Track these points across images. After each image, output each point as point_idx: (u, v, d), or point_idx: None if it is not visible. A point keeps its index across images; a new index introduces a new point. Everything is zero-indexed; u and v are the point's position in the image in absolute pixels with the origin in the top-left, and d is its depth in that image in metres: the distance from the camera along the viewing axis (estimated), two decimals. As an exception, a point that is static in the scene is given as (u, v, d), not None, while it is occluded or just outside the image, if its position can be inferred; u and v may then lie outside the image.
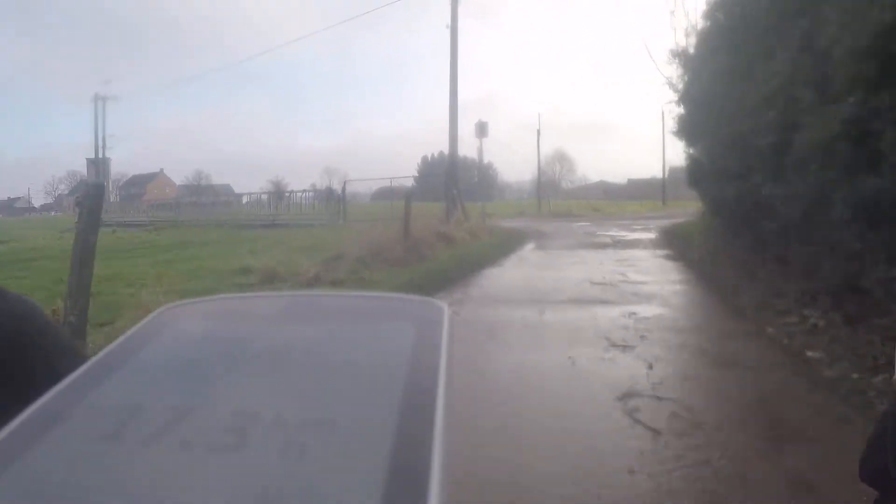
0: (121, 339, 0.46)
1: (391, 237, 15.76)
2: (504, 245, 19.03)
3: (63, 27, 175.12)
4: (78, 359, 0.76)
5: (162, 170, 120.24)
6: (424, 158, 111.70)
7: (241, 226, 33.46)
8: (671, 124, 27.00)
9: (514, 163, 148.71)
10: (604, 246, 18.84)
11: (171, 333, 0.48)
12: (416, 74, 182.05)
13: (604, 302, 9.58)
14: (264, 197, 39.95)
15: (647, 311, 8.98)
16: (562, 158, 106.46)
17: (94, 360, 0.44)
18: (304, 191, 36.10)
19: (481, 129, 25.91)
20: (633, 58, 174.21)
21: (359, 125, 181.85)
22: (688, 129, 22.91)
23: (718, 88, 13.46)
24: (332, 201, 33.26)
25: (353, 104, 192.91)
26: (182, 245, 22.81)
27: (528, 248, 18.87)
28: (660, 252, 16.95)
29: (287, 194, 38.69)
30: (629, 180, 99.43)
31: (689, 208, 53.23)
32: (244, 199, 43.46)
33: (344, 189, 33.53)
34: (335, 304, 0.52)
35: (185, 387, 0.41)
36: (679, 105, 24.41)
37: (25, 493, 0.32)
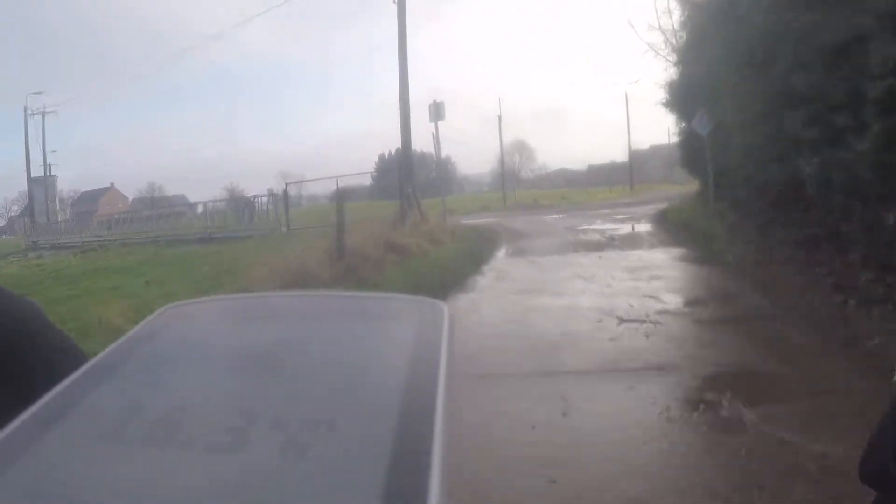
0: (121, 339, 0.45)
1: (323, 254, 11.59)
2: (473, 253, 14.76)
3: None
4: (79, 359, 0.75)
5: (112, 184, 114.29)
6: (381, 156, 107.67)
7: (177, 241, 29.47)
8: (660, 95, 23.49)
9: (471, 156, 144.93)
10: (599, 246, 14.62)
11: (172, 333, 0.47)
12: (374, 72, 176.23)
13: (661, 369, 5.42)
14: (220, 205, 35.82)
15: (748, 393, 4.86)
16: (521, 148, 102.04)
17: (94, 360, 0.43)
18: (271, 194, 31.48)
19: (437, 111, 21.53)
20: (589, 42, 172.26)
21: (319, 126, 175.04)
22: (685, 97, 19.12)
23: (759, 30, 9.53)
24: (247, 211, 29.29)
25: (313, 105, 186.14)
26: (92, 274, 18.83)
27: (505, 256, 14.62)
28: (675, 252, 12.85)
29: (250, 200, 34.34)
30: (589, 166, 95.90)
31: (660, 192, 50.31)
32: (199, 209, 39.50)
33: (286, 193, 29.00)
34: (335, 304, 0.51)
35: (186, 387, 0.41)
36: (677, 66, 20.74)
37: (26, 493, 0.33)
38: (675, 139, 24.68)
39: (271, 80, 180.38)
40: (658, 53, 23.18)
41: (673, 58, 20.98)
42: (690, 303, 7.97)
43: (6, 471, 0.33)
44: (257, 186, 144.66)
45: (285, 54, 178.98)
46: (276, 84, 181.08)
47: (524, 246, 15.93)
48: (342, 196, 11.99)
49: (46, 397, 0.38)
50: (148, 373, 0.42)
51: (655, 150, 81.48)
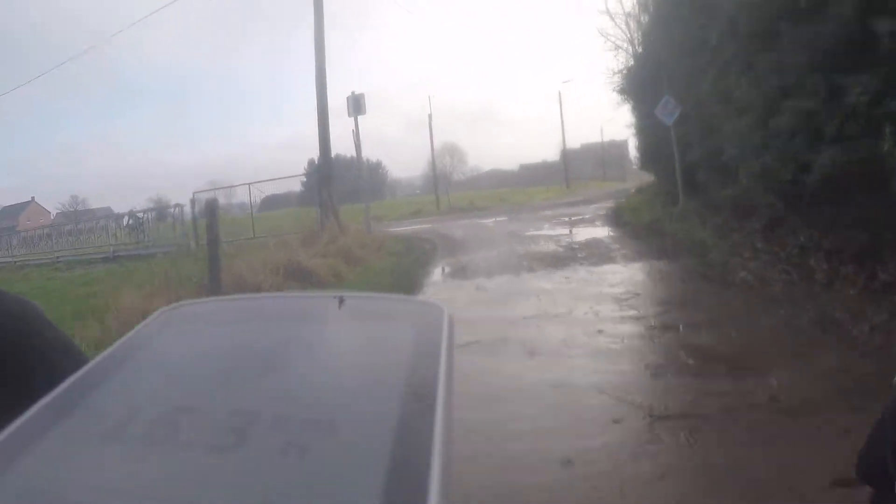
0: (122, 340, 0.45)
1: (194, 288, 8.33)
2: (401, 275, 11.51)
3: None
4: (78, 359, 0.75)
5: (33, 198, 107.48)
6: (311, 161, 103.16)
7: (79, 261, 25.83)
8: (614, 83, 21.12)
9: (403, 160, 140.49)
10: (560, 260, 11.39)
11: (172, 334, 0.47)
12: (303, 77, 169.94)
13: None
14: (142, 216, 31.69)
15: None
16: (452, 150, 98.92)
17: (95, 360, 0.43)
18: (177, 205, 27.56)
19: (356, 105, 18.06)
20: (519, 42, 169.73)
21: (248, 134, 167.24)
22: (644, 83, 15.90)
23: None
24: (133, 225, 25.76)
25: (242, 113, 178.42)
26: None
27: (443, 278, 11.27)
28: (663, 266, 9.79)
29: (171, 210, 30.20)
30: (521, 166, 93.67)
31: (597, 189, 47.89)
32: (125, 221, 35.99)
33: (193, 205, 25.19)
34: (335, 305, 0.49)
35: (186, 387, 0.41)
36: (636, 50, 18.05)
37: (27, 493, 0.32)
38: (610, 138, 22.60)
39: (208, 87, 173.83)
40: (607, 39, 20.61)
41: (626, 45, 18.27)
42: (754, 370, 4.79)
43: (8, 470, 0.32)
44: (183, 197, 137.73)
45: (223, 61, 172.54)
46: (212, 91, 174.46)
47: (466, 262, 12.56)
48: (213, 209, 8.49)
49: (47, 398, 0.37)
50: (147, 374, 0.41)
51: (587, 149, 79.76)
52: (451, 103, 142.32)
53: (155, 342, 0.44)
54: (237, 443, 0.33)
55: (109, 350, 0.43)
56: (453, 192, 68.10)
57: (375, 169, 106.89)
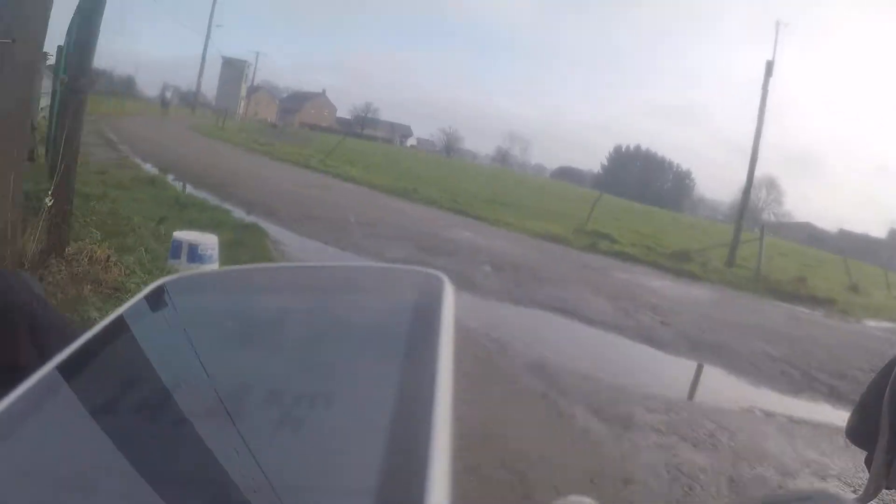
0: (117, 311, 0.42)
1: None
2: None
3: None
4: (66, 331, 0.71)
5: (324, 91, 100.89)
6: (618, 148, 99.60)
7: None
8: None
9: (713, 181, 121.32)
10: None
11: (169, 306, 0.44)
12: (629, 65, 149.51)
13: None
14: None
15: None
16: (770, 185, 78.33)
17: (90, 333, 0.40)
18: None
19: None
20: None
21: (552, 103, 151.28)
22: None
23: None
24: None
25: (551, 80, 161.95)
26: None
27: None
28: None
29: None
30: (841, 231, 76.92)
31: None
32: (409, 142, 25.71)
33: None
34: (335, 275, 0.48)
35: (182, 360, 0.39)
36: None
37: (23, 465, 0.31)
38: None
39: (513, 49, 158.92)
40: None
41: None
42: None
43: (4, 442, 0.31)
44: (474, 138, 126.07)
45: (535, 30, 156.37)
46: (517, 52, 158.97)
47: None
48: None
49: (43, 371, 0.35)
50: (144, 346, 0.39)
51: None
52: (777, 139, 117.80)
53: (152, 315, 0.41)
54: (232, 416, 0.31)
55: (105, 323, 0.39)
56: (754, 230, 47.73)
57: (683, 178, 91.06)
